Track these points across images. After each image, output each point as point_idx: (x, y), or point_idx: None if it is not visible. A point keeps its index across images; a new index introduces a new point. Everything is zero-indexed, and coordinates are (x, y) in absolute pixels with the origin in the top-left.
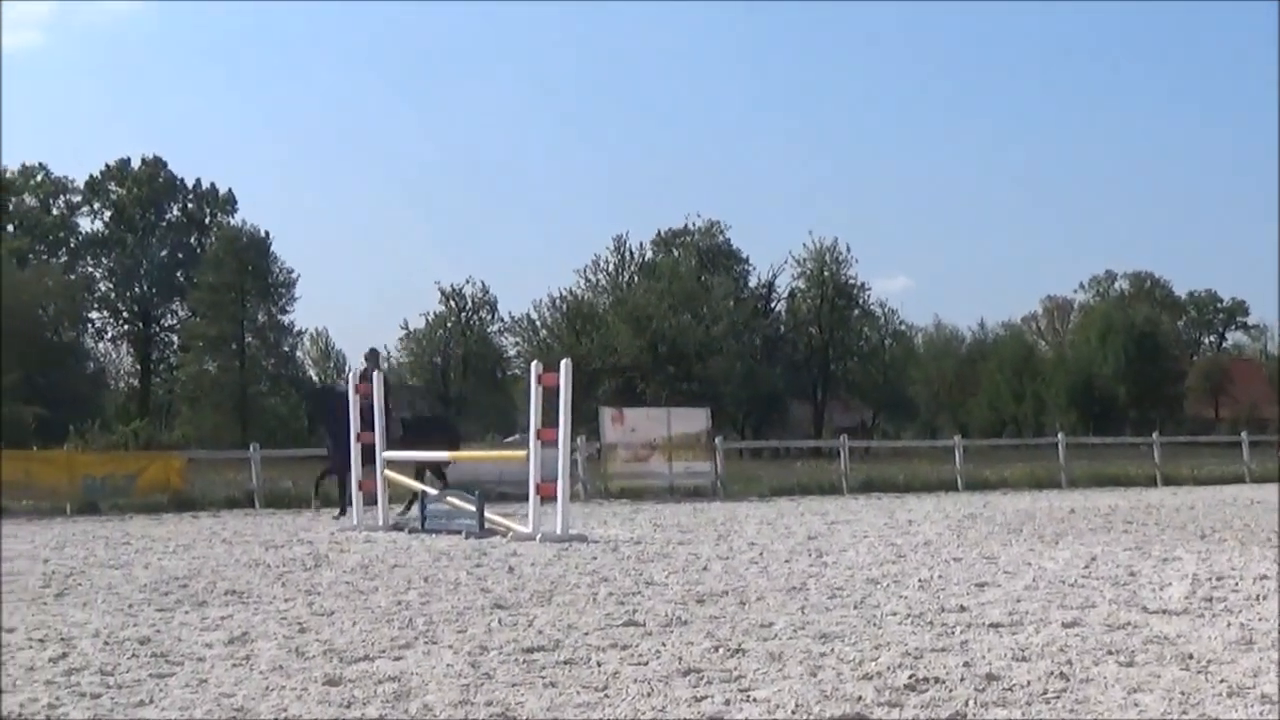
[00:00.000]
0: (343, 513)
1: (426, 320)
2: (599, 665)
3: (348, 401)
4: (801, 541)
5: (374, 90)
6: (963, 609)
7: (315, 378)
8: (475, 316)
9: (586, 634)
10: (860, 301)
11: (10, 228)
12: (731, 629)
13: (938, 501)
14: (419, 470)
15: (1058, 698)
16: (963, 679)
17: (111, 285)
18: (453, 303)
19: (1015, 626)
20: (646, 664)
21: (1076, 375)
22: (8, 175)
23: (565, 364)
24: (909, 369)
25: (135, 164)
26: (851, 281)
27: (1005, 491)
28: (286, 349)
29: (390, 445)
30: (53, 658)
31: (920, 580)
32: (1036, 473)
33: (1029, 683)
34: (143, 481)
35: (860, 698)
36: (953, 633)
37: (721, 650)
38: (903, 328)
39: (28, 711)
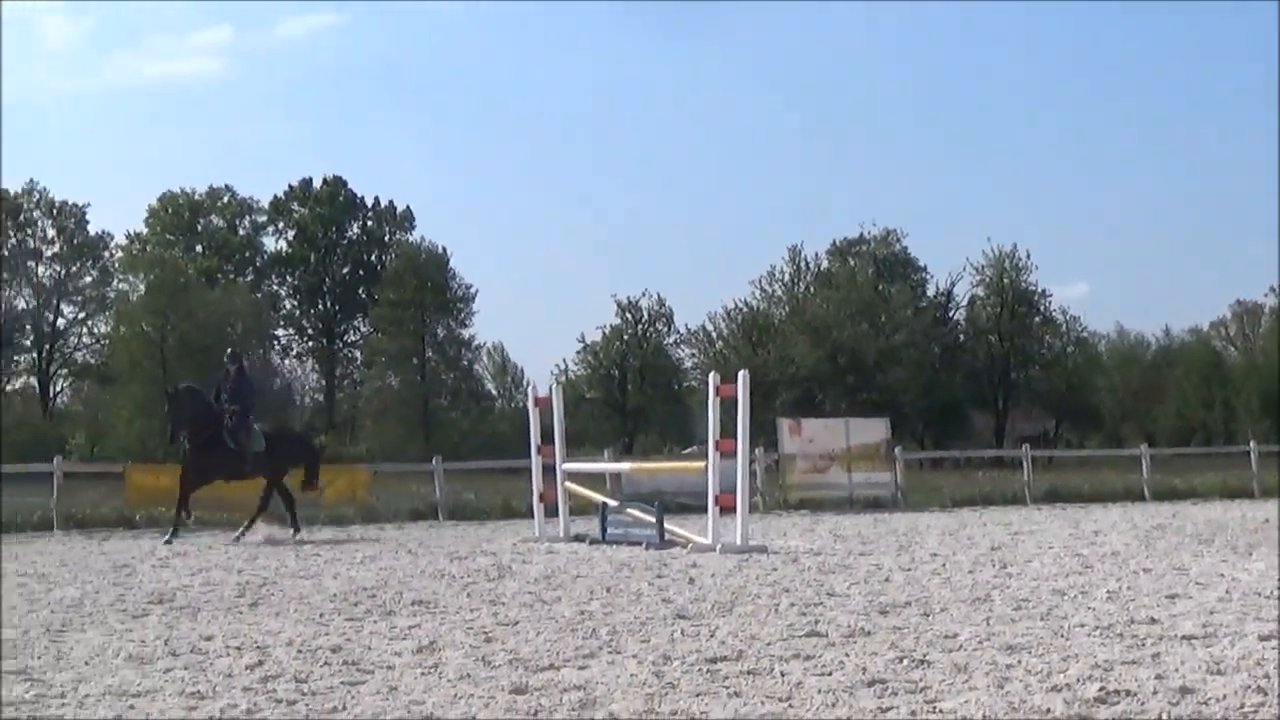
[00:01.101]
0: (174, 535)
1: (603, 333)
2: (783, 675)
3: (210, 405)
4: (985, 552)
5: (548, 105)
6: (1153, 621)
7: (494, 391)
8: (651, 329)
9: (769, 644)
10: (1041, 308)
11: (199, 248)
12: (916, 640)
13: (1124, 511)
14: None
15: (1256, 712)
16: (1155, 692)
17: (296, 303)
18: (629, 315)
19: (1209, 639)
20: (830, 674)
21: (1269, 382)
22: (196, 197)
23: (743, 375)
24: (1093, 376)
25: (317, 184)
26: (1031, 288)
27: (1195, 501)
28: (466, 363)
29: (249, 457)
30: (249, 665)
31: (1109, 592)
32: (1228, 482)
33: (1225, 697)
34: (330, 494)
35: (1049, 710)
36: (1144, 645)
37: (906, 661)
38: (1085, 334)
39: (227, 716)
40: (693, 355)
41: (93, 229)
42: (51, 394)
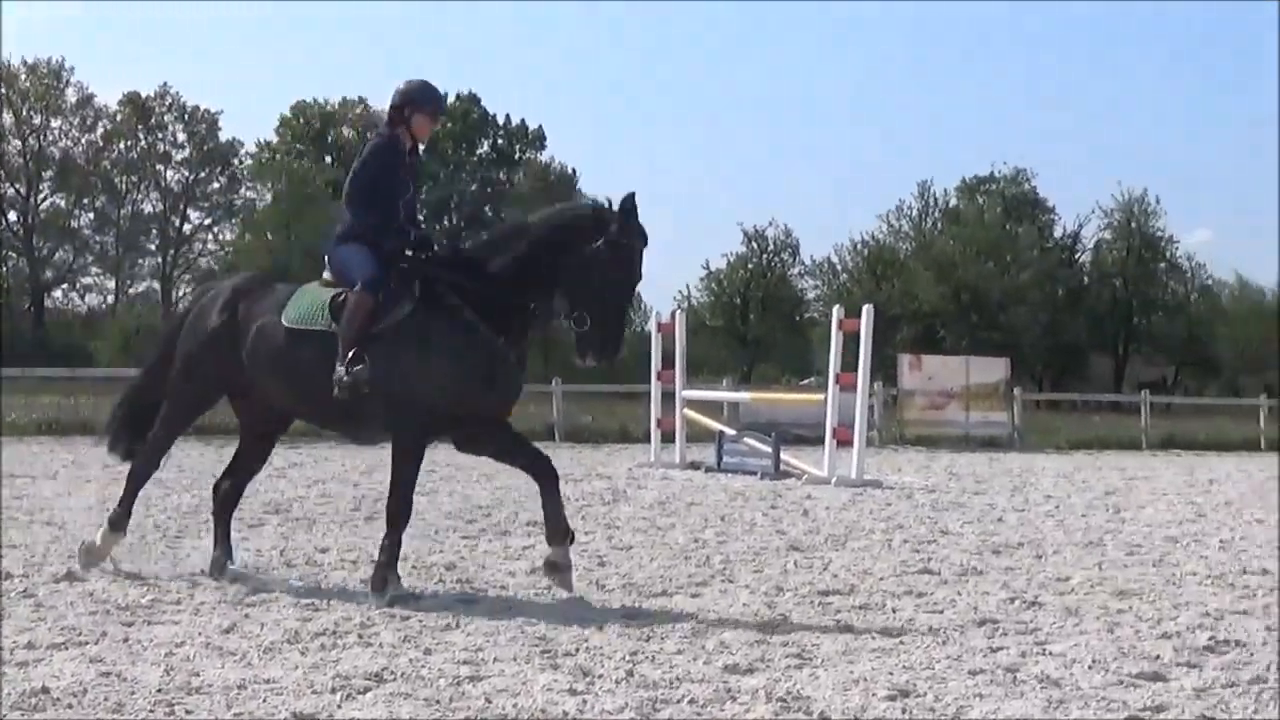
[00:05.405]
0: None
1: (728, 260)
2: (894, 611)
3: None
4: (1099, 496)
5: (678, 30)
6: (1266, 572)
7: None
8: (777, 259)
9: (882, 580)
10: (1168, 255)
11: (329, 159)
12: (1027, 581)
13: (1240, 461)
14: None
15: None
16: (1264, 643)
17: (422, 218)
18: (754, 244)
19: None
20: (941, 612)
21: None
22: (329, 108)
23: (868, 309)
24: (1215, 325)
25: (450, 100)
26: (1159, 234)
27: None
28: None
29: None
30: (363, 579)
31: (1221, 541)
32: None
33: None
34: None
35: (1158, 656)
36: (1255, 595)
37: (1017, 602)
38: (1209, 283)
39: (342, 629)
40: (816, 287)
41: (224, 136)
42: (174, 299)
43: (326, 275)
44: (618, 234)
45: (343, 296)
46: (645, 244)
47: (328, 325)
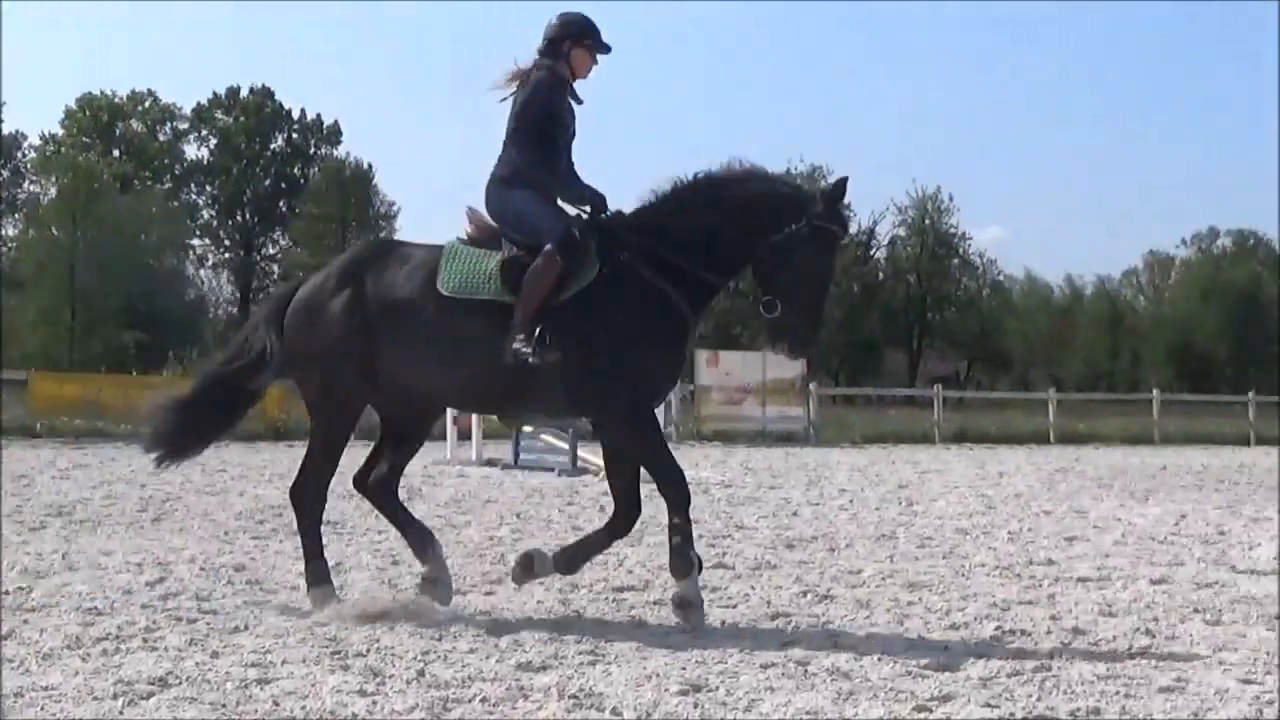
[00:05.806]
0: None
1: None
2: None
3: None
4: (892, 490)
5: (471, 27)
6: (1051, 562)
7: None
8: None
9: None
10: (960, 251)
11: (116, 152)
12: (820, 575)
13: (1029, 454)
14: None
15: (1143, 653)
16: (1049, 632)
17: (214, 213)
18: None
19: (1103, 582)
20: (735, 607)
21: (1175, 333)
22: (117, 100)
23: None
24: (1005, 320)
25: (244, 93)
26: (952, 230)
27: (1097, 446)
28: None
29: None
30: (150, 582)
31: (1010, 532)
32: (1130, 428)
33: (1115, 638)
34: None
35: (946, 647)
36: (1040, 586)
37: (810, 595)
38: (1001, 279)
39: (125, 633)
40: None
41: (6, 128)
42: None
43: (469, 229)
44: (825, 217)
45: (516, 260)
46: (846, 234)
47: (497, 294)
